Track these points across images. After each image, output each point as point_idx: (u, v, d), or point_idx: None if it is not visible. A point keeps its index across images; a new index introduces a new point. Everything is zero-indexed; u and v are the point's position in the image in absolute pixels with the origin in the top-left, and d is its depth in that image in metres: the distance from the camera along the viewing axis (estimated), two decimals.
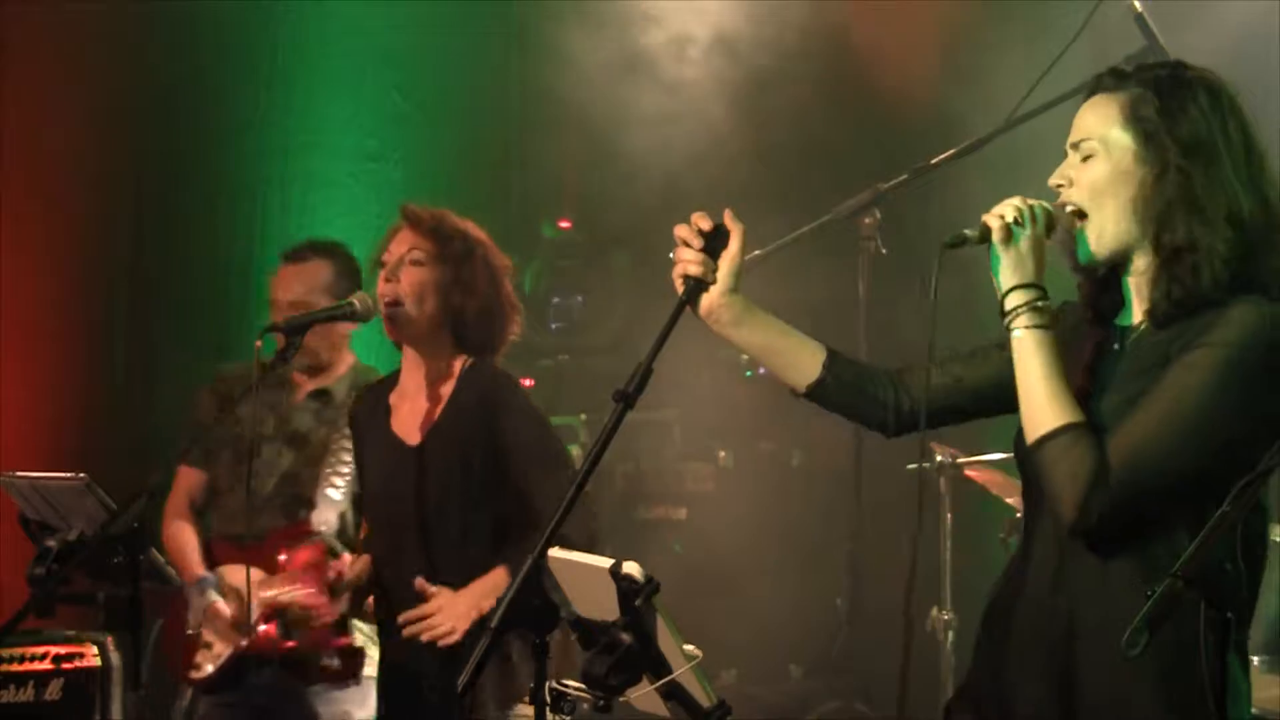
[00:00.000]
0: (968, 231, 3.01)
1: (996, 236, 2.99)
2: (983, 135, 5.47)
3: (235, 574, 4.97)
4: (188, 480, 5.22)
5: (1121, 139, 3.02)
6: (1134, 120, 3.01)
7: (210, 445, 5.19)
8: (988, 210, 3.04)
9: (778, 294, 7.20)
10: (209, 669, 4.96)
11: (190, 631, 5.01)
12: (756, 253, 5.69)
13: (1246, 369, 2.87)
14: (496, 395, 4.38)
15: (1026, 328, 2.97)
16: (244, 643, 4.90)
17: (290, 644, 4.90)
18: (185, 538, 5.13)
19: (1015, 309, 2.98)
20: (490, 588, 4.21)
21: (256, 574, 4.91)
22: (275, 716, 5.04)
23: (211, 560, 5.08)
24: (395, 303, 4.37)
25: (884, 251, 5.53)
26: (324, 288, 5.15)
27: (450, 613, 4.21)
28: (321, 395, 5.19)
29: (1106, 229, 3.02)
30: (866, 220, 5.55)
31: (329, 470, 4.99)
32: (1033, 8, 6.62)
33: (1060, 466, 2.90)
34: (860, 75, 7.23)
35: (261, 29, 7.12)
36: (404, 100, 7.40)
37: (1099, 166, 3.03)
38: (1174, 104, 3.00)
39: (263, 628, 4.89)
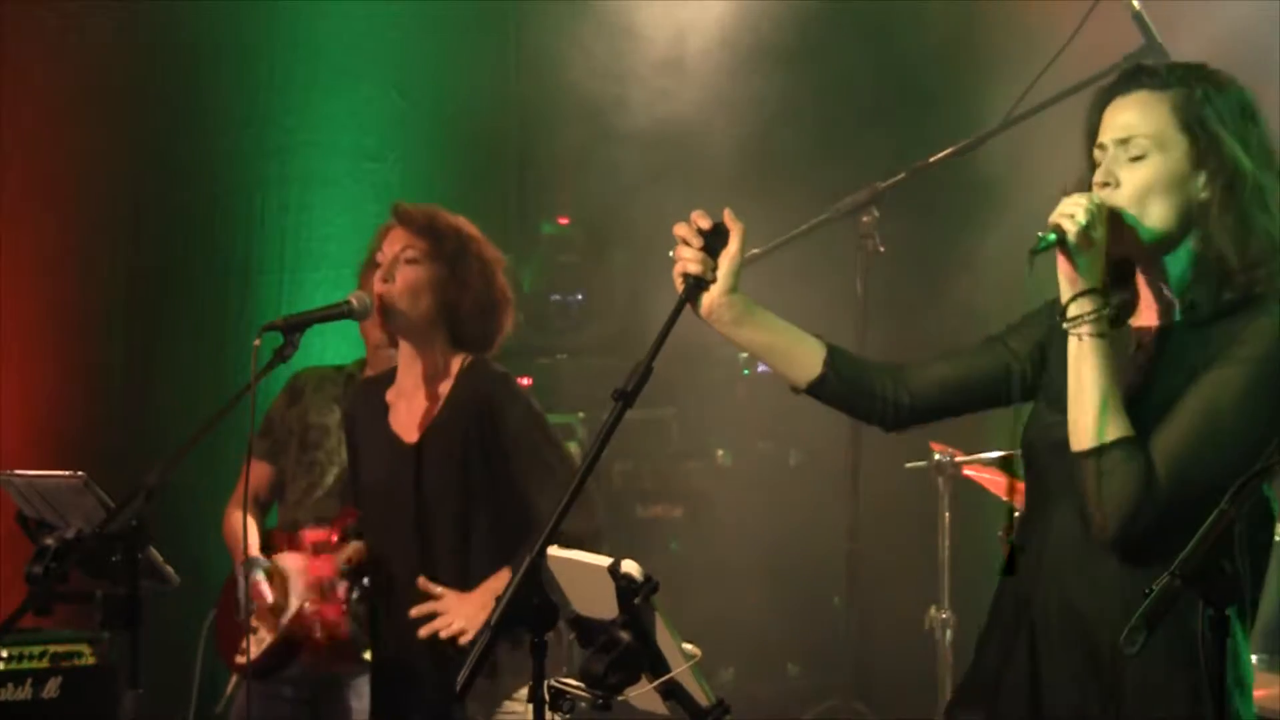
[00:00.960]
0: (1051, 235, 2.93)
1: (1075, 240, 2.93)
2: (980, 134, 5.48)
3: (288, 561, 5.00)
4: (255, 473, 5.19)
5: (1178, 140, 2.99)
6: (1191, 122, 2.99)
7: (279, 438, 5.28)
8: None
9: (776, 293, 7.19)
10: (252, 654, 4.99)
11: (239, 619, 5.03)
12: (755, 251, 5.69)
13: (1276, 380, 2.90)
14: (497, 395, 4.39)
15: (1089, 335, 2.94)
16: (284, 621, 4.92)
17: (328, 623, 4.92)
18: (240, 525, 5.15)
19: (1082, 315, 2.95)
20: (496, 590, 4.22)
21: (298, 560, 4.95)
22: (312, 708, 5.07)
23: (272, 549, 5.11)
24: (391, 302, 4.38)
25: (882, 250, 5.54)
26: None
27: (459, 611, 4.23)
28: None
29: (1155, 225, 2.99)
30: (865, 218, 5.55)
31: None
32: (1032, 5, 6.62)
33: (1112, 481, 2.90)
34: (867, 70, 7.22)
35: (260, 28, 7.11)
36: (402, 99, 7.39)
37: (1153, 167, 3.00)
38: (1227, 107, 3.00)
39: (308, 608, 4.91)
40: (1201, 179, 2.98)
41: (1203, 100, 2.99)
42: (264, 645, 4.97)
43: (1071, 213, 2.93)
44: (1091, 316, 2.94)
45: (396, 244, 4.43)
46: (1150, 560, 2.90)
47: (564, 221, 7.70)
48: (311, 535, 4.95)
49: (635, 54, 7.18)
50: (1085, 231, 2.92)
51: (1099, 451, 2.92)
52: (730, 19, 7.20)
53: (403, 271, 4.40)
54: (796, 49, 7.20)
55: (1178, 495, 2.88)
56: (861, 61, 7.22)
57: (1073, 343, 2.96)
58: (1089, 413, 2.93)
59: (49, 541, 3.90)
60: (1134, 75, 3.07)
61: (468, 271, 4.43)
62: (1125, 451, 2.90)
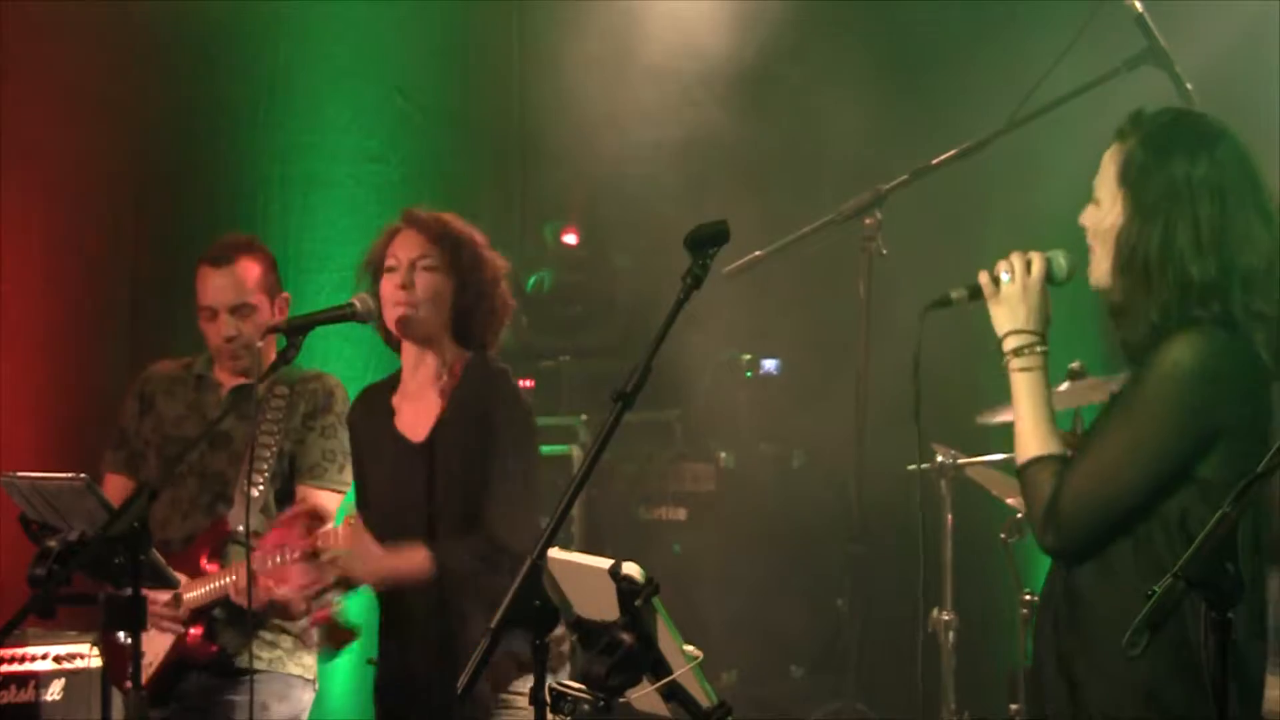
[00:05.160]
0: (953, 293, 3.39)
1: (986, 291, 3.32)
2: (984, 137, 5.49)
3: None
4: (114, 487, 5.06)
5: (1117, 191, 3.23)
6: (1123, 174, 3.23)
7: (135, 449, 5.16)
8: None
9: (779, 295, 7.21)
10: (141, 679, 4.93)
11: (123, 641, 4.97)
12: (758, 253, 5.70)
13: (1170, 405, 3.09)
14: (493, 393, 4.42)
15: (1015, 370, 3.29)
16: (169, 649, 4.89)
17: (214, 647, 4.89)
18: None
19: (1007, 353, 3.31)
20: (407, 562, 4.26)
21: (186, 579, 4.86)
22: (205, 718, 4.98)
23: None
24: (412, 309, 4.39)
25: (884, 252, 5.53)
26: (257, 285, 5.13)
27: (366, 559, 4.25)
28: (242, 391, 5.15)
29: (1099, 268, 3.29)
30: (868, 221, 5.55)
31: (249, 468, 4.94)
32: (1033, 8, 6.63)
33: (1026, 493, 3.23)
34: (872, 72, 7.21)
35: (263, 29, 7.11)
36: (405, 101, 7.39)
37: (1099, 214, 3.27)
38: (1151, 163, 3.21)
39: (192, 631, 4.87)
40: (1134, 227, 3.20)
41: (1139, 154, 3.21)
42: (151, 669, 4.83)
43: (997, 269, 3.31)
44: (1013, 354, 3.29)
45: (412, 250, 4.44)
46: (1104, 560, 3.14)
47: (573, 242, 7.63)
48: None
49: (639, 55, 7.18)
50: (995, 282, 3.30)
51: (1022, 469, 3.25)
52: (735, 21, 7.20)
53: (421, 278, 4.41)
54: (801, 51, 7.20)
55: (1081, 513, 3.13)
56: (866, 63, 7.22)
57: (1010, 378, 3.30)
58: (1019, 436, 3.27)
59: (51, 544, 3.91)
60: (1120, 125, 3.30)
61: (481, 281, 4.48)
62: (1036, 467, 3.22)
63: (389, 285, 4.42)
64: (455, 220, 4.53)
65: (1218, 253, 3.14)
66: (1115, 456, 3.11)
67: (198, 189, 7.03)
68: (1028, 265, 3.30)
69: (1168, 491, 3.09)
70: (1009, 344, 3.29)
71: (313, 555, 4.42)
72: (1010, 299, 3.29)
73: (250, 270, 5.13)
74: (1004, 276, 3.30)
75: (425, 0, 7.40)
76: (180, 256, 6.98)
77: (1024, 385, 3.27)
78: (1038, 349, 3.28)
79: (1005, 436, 3.50)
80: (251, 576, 4.48)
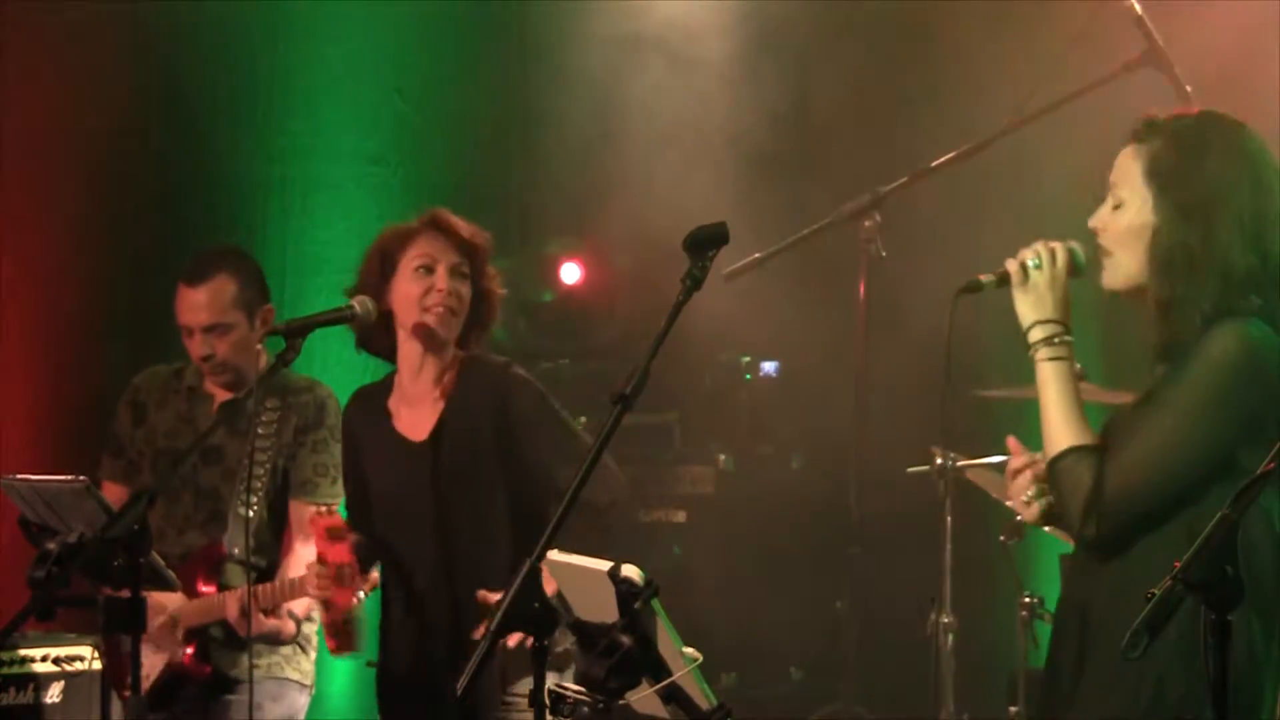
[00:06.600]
0: (983, 277, 3.35)
1: (1014, 280, 3.28)
2: (983, 139, 5.49)
3: (171, 600, 4.90)
4: (111, 495, 4.99)
5: (1143, 192, 3.24)
6: (1153, 175, 3.23)
7: (130, 458, 5.17)
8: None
9: (778, 296, 7.21)
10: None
11: (123, 650, 4.97)
12: (757, 255, 5.70)
13: (1218, 392, 3.12)
14: (504, 384, 4.46)
15: (1044, 360, 3.28)
16: (164, 662, 4.90)
17: (208, 668, 4.89)
18: None
19: (1035, 343, 3.28)
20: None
21: (182, 599, 4.87)
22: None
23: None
24: (450, 314, 4.41)
25: (884, 254, 5.54)
26: (232, 303, 5.07)
27: None
28: (232, 406, 5.08)
29: (1122, 270, 3.29)
30: (867, 223, 5.56)
31: (241, 487, 4.93)
32: (1033, 8, 6.62)
33: (1064, 483, 3.20)
34: (872, 73, 7.21)
35: (262, 30, 7.11)
36: (404, 103, 7.39)
37: (1125, 216, 3.27)
38: (1187, 161, 3.22)
39: (187, 651, 4.88)
40: (1175, 224, 3.20)
41: (1170, 153, 3.23)
42: (149, 680, 4.81)
43: (1022, 255, 3.32)
44: (1043, 343, 3.28)
45: (451, 254, 4.47)
46: (1130, 554, 3.14)
47: (575, 279, 7.60)
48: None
49: (640, 57, 7.18)
50: (1025, 270, 3.29)
51: (1057, 459, 3.22)
52: (738, 23, 7.20)
53: (460, 285, 4.46)
54: (800, 51, 7.20)
55: (1126, 501, 3.13)
56: (866, 65, 7.22)
57: (1036, 369, 3.29)
58: (1049, 427, 3.25)
59: (51, 546, 3.90)
60: (1135, 128, 3.32)
61: (492, 295, 4.56)
62: (1074, 457, 3.19)
63: (422, 285, 4.43)
64: (477, 228, 4.57)
65: (1257, 244, 3.17)
66: (1161, 444, 3.12)
67: (197, 190, 7.02)
68: (1053, 255, 3.30)
69: (1213, 482, 3.09)
70: (1036, 334, 3.28)
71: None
72: (1038, 288, 3.29)
73: (225, 288, 5.07)
74: (1031, 264, 3.29)
75: (425, 1, 7.39)
76: (179, 258, 6.97)
77: (1052, 375, 3.26)
78: (1066, 338, 3.27)
79: (1003, 438, 3.49)
80: (251, 597, 4.50)
